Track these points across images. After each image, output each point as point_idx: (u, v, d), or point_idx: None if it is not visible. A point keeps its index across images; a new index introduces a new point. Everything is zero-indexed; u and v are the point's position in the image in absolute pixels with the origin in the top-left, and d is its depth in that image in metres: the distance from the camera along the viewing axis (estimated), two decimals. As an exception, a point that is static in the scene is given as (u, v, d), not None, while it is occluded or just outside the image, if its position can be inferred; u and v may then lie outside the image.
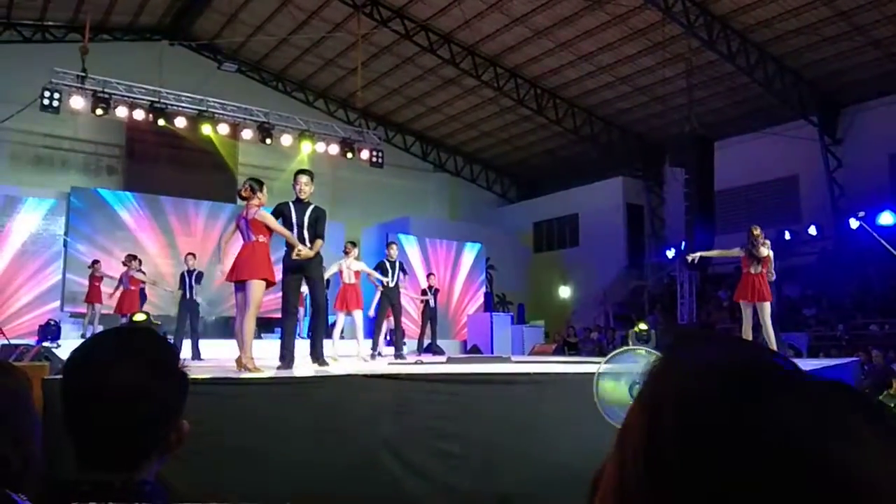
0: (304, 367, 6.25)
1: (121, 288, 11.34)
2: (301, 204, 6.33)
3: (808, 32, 14.32)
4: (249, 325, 5.64)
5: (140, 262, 11.93)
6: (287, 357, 6.07)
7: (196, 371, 5.27)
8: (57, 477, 1.02)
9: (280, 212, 6.33)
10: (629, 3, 14.36)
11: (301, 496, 3.87)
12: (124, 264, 11.51)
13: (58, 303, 14.50)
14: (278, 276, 6.06)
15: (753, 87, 16.04)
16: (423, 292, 12.56)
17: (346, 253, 9.49)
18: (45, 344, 8.50)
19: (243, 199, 5.91)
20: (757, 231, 8.16)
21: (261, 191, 5.88)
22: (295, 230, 6.21)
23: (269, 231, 5.83)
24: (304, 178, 6.39)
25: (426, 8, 16.16)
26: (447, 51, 17.17)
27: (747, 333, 8.15)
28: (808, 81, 16.05)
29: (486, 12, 15.64)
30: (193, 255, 10.96)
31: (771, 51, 15.20)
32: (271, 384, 4.74)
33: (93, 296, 12.19)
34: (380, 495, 4.21)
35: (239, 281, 5.71)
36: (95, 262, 12.64)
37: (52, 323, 11.70)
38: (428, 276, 13.38)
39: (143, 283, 11.72)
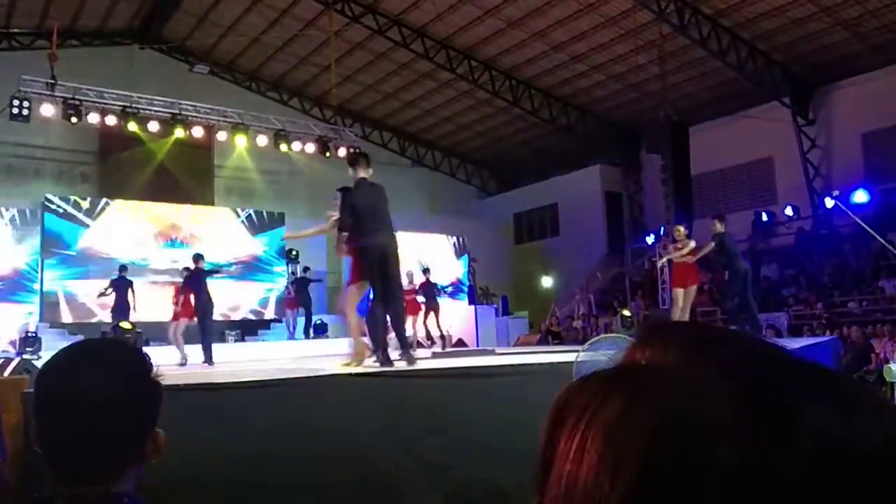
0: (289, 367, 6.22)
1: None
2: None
3: (777, 15, 14.44)
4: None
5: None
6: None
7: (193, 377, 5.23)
8: (32, 494, 1.00)
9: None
10: (600, -9, 14.43)
11: (289, 495, 3.86)
12: (194, 263, 10.16)
13: (35, 312, 14.31)
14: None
15: (726, 71, 16.15)
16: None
17: None
18: (26, 356, 8.38)
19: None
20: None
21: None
22: None
23: None
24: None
25: (398, 2, 16.08)
26: (420, 45, 17.11)
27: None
28: (779, 64, 16.19)
29: (458, 5, 15.60)
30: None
31: (742, 34, 15.31)
32: (255, 387, 4.71)
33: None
34: (370, 492, 4.21)
35: None
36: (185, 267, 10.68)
37: (32, 334, 11.57)
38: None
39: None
